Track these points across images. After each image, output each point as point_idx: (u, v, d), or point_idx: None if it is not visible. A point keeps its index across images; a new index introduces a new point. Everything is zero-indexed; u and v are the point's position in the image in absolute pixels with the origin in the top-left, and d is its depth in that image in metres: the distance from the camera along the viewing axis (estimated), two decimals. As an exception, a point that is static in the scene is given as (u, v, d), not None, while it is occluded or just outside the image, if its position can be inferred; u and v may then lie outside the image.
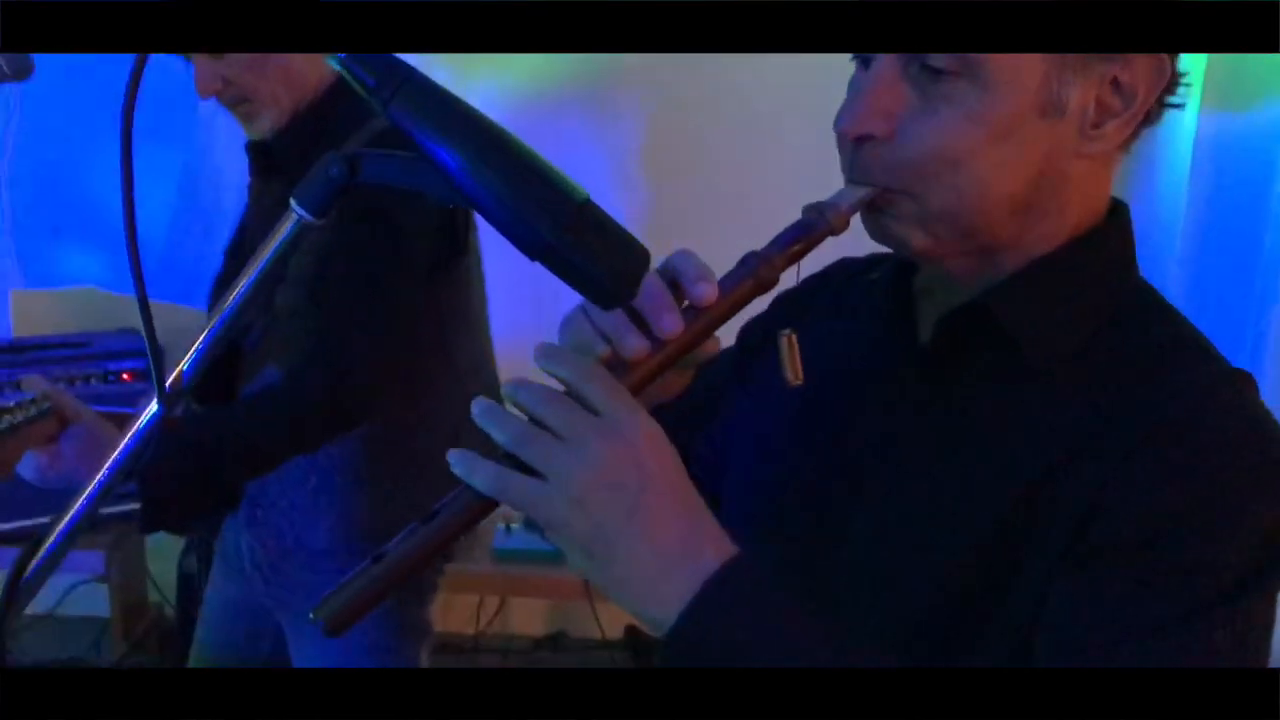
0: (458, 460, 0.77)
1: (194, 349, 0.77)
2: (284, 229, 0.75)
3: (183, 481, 1.54)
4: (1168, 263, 2.48)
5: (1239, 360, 0.89)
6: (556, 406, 0.77)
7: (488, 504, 0.78)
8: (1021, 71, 0.83)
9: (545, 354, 0.80)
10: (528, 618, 3.46)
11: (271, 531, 1.87)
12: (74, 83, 2.61)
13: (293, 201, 0.74)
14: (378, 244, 1.66)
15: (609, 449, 0.76)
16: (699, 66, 2.99)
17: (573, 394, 0.78)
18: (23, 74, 1.69)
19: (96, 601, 3.25)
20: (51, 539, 0.82)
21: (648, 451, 0.77)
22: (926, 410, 0.93)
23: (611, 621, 3.30)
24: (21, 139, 3.08)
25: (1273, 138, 2.45)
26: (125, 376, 2.79)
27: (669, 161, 3.13)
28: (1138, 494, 0.80)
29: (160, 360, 0.76)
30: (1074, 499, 0.82)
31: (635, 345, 0.81)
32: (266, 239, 0.75)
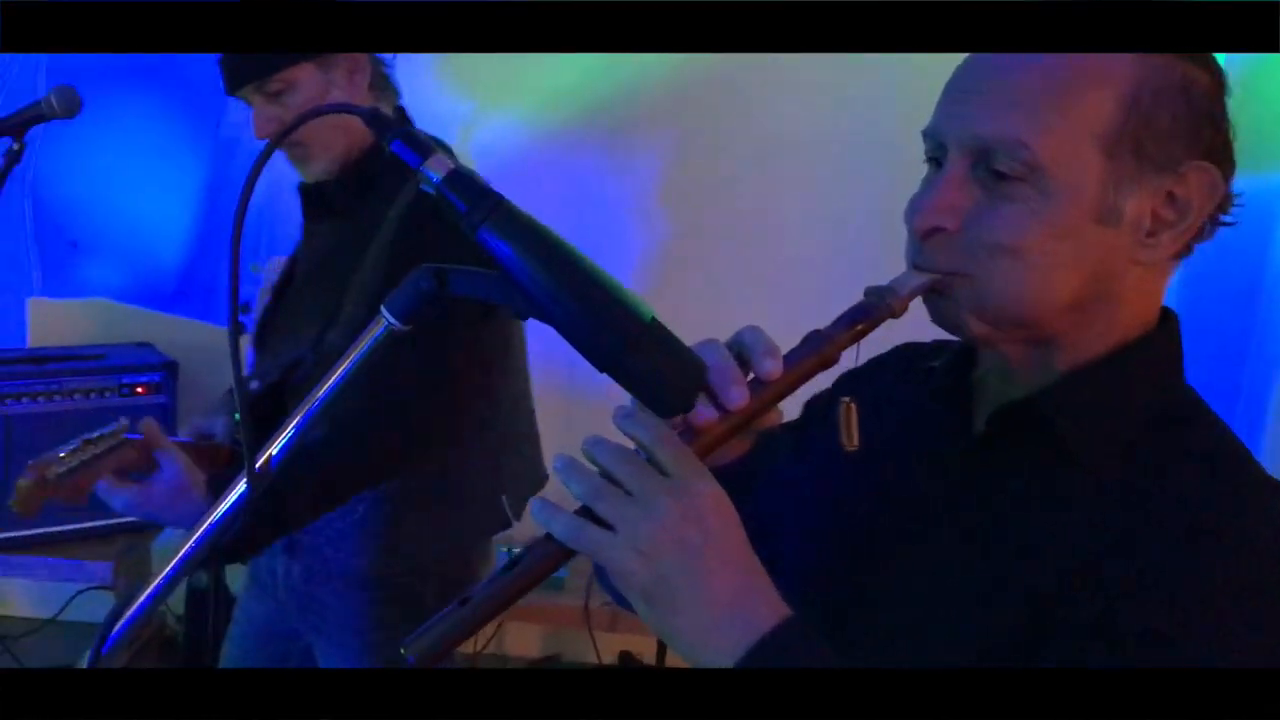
0: (539, 509, 0.84)
1: (282, 440, 0.83)
2: (371, 334, 0.81)
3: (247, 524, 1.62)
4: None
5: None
6: (630, 466, 0.83)
7: (564, 552, 0.84)
8: (1080, 181, 0.89)
9: (624, 416, 0.86)
10: (524, 641, 3.51)
11: (313, 557, 1.91)
12: (97, 101, 2.67)
13: (383, 309, 0.81)
14: None
15: (675, 507, 0.82)
16: (714, 103, 3.06)
17: (645, 454, 0.84)
18: (72, 111, 1.75)
19: (100, 609, 3.28)
20: (138, 603, 0.88)
21: (711, 512, 0.83)
22: (973, 489, 0.98)
23: (606, 647, 3.35)
24: (45, 153, 3.13)
25: (1270, 206, 2.50)
26: (139, 390, 2.84)
27: (684, 195, 3.20)
28: (1169, 589, 0.84)
29: (254, 443, 0.82)
30: (1107, 589, 0.86)
31: (705, 414, 0.87)
32: (354, 342, 0.82)
